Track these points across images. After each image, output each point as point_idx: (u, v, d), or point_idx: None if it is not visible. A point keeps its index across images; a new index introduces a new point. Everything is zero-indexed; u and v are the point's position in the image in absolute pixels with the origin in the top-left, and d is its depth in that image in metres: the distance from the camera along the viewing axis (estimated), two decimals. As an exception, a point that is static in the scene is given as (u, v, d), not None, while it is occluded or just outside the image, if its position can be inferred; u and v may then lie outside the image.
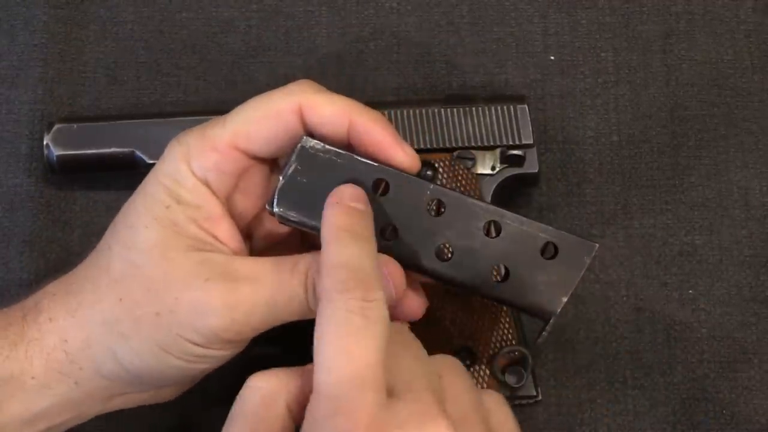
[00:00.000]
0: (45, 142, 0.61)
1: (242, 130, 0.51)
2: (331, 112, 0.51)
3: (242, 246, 0.52)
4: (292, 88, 0.52)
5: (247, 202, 0.53)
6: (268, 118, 0.52)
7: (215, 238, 0.51)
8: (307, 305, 0.49)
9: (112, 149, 0.61)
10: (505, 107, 0.60)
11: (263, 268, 0.50)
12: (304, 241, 0.54)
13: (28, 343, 0.50)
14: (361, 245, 0.46)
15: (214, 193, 0.51)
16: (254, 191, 0.53)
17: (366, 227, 0.48)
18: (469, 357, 0.58)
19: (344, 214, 0.48)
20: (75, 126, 0.61)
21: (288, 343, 0.62)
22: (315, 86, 0.52)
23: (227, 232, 0.51)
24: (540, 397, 0.59)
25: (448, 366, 0.48)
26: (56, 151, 0.61)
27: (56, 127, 0.61)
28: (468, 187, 0.59)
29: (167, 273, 0.49)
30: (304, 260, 0.50)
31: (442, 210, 0.51)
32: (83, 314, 0.50)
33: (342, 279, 0.44)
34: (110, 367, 0.50)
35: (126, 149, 0.60)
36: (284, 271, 0.50)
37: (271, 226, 0.55)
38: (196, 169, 0.51)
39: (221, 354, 0.51)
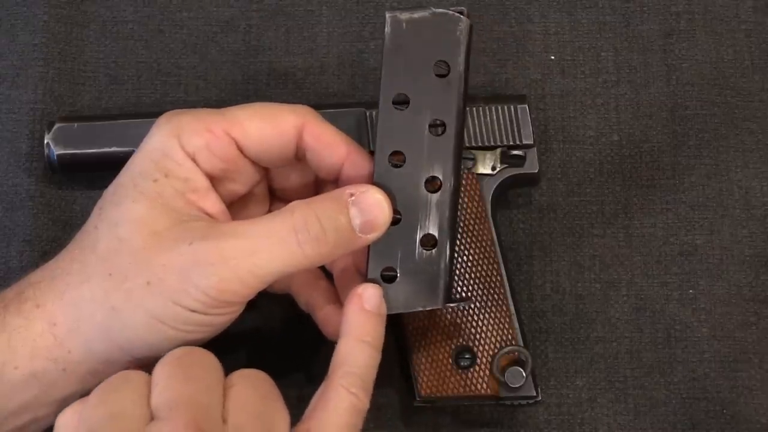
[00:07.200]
0: (45, 142, 0.61)
1: (240, 122, 0.52)
2: (332, 142, 0.53)
3: (228, 219, 0.53)
4: (299, 108, 0.54)
5: (232, 188, 0.54)
6: (268, 119, 0.53)
7: (202, 210, 0.52)
8: (300, 250, 0.50)
9: (113, 148, 0.61)
10: (505, 107, 0.60)
11: (247, 223, 0.51)
12: None
13: (10, 332, 0.50)
14: (374, 356, 0.51)
15: (201, 168, 0.52)
16: (240, 180, 0.54)
17: (379, 337, 0.52)
18: (469, 357, 0.58)
19: (366, 322, 0.52)
20: (75, 125, 0.61)
21: (283, 346, 0.62)
22: (319, 115, 0.54)
23: (214, 205, 0.52)
24: (540, 397, 0.58)
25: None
26: (57, 151, 0.61)
27: (57, 126, 0.61)
28: (468, 187, 0.59)
29: (154, 243, 0.50)
30: (289, 207, 0.50)
31: None
32: (72, 295, 0.50)
33: (352, 382, 0.50)
34: (101, 347, 0.50)
35: (126, 148, 0.60)
36: (269, 220, 0.50)
37: (254, 210, 0.56)
38: (186, 145, 0.52)
39: (216, 320, 0.50)
